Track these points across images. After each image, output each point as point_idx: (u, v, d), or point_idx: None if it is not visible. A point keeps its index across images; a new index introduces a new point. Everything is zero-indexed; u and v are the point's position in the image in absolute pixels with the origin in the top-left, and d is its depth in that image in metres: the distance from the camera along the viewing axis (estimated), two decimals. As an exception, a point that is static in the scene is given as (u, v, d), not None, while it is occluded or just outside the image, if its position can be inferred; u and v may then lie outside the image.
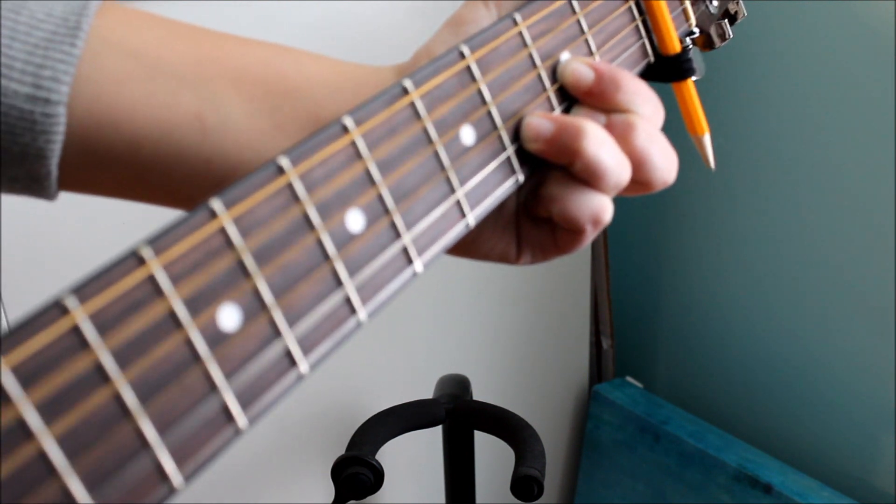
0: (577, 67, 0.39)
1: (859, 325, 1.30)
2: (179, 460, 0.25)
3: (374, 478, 0.99)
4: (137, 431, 0.24)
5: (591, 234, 0.39)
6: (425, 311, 1.34)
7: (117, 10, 0.38)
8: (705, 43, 0.54)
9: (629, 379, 1.60)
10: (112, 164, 0.37)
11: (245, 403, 0.27)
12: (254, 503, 1.21)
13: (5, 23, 0.34)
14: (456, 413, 1.14)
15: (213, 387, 0.26)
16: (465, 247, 0.41)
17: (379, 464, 0.99)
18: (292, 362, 0.28)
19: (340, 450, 1.05)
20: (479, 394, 1.22)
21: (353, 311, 0.30)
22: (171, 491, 0.25)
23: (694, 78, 0.52)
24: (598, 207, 0.38)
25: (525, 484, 0.99)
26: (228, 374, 0.26)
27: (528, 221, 0.41)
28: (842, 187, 1.28)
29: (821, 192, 1.30)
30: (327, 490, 1.05)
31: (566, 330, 1.57)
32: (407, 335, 1.33)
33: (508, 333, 1.48)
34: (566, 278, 1.52)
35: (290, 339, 0.28)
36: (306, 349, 0.29)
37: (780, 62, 1.29)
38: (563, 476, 1.66)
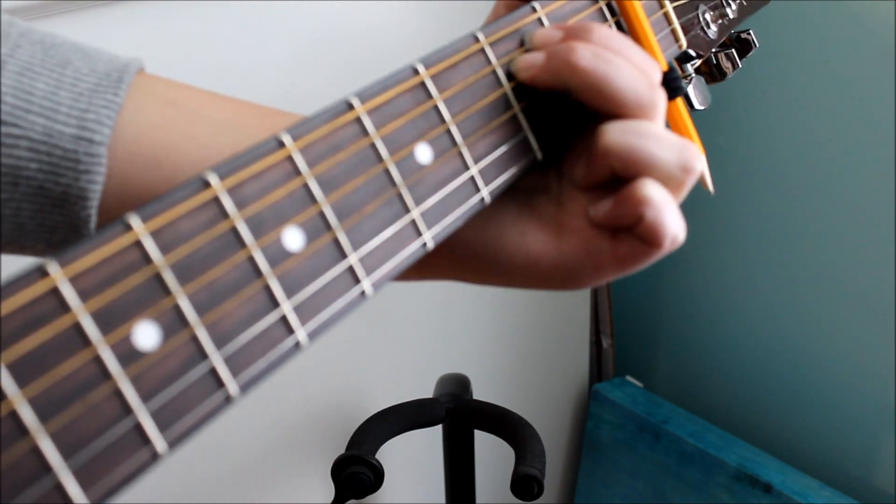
0: (542, 30, 0.39)
1: (859, 325, 1.30)
2: (86, 484, 0.23)
3: (374, 477, 0.99)
4: (37, 451, 0.23)
5: (661, 253, 0.37)
6: (425, 310, 1.34)
7: (154, 75, 0.40)
8: (713, 73, 0.54)
9: (629, 378, 1.60)
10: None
11: (164, 425, 0.25)
12: (254, 503, 1.21)
13: (52, 74, 0.36)
14: (456, 412, 1.14)
15: (126, 408, 0.25)
16: (486, 238, 0.40)
17: (379, 463, 0.99)
18: (219, 383, 0.27)
19: (340, 449, 1.05)
20: (479, 393, 1.22)
21: (290, 330, 0.29)
22: None
23: (699, 107, 0.51)
24: (681, 224, 0.37)
25: (525, 483, 0.99)
26: (145, 394, 0.25)
27: (586, 225, 0.38)
28: (842, 187, 1.28)
29: (821, 192, 1.30)
30: (327, 489, 1.06)
31: (566, 329, 1.57)
32: (407, 335, 1.33)
33: (508, 333, 1.48)
34: (566, 278, 1.52)
35: (216, 358, 0.27)
36: (236, 370, 0.27)
37: (779, 62, 1.29)
38: (563, 475, 1.66)
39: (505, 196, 0.40)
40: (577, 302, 1.56)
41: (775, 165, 1.35)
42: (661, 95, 0.38)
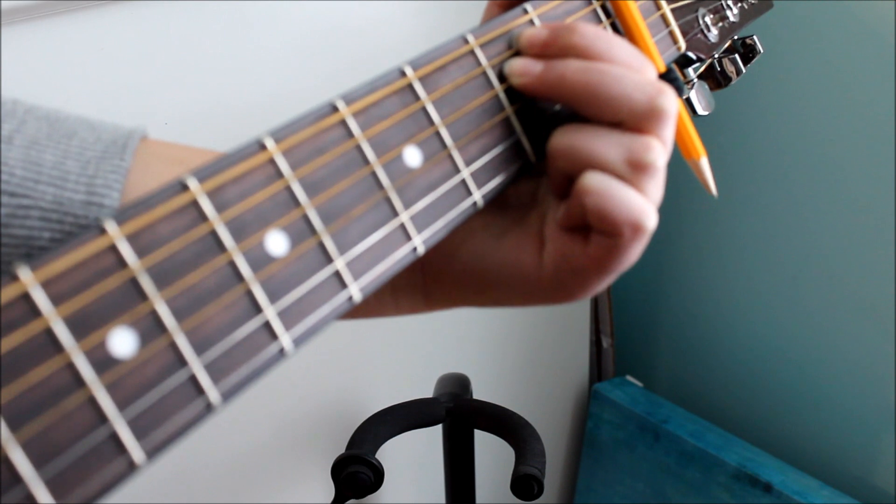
0: (529, 31, 0.39)
1: (859, 324, 1.30)
2: (60, 495, 0.23)
3: (374, 477, 0.99)
4: (7, 462, 0.22)
5: (630, 244, 0.37)
6: (425, 310, 1.34)
7: (157, 140, 0.41)
8: (716, 78, 0.53)
9: (629, 378, 1.60)
10: None
11: (141, 434, 0.24)
12: (254, 503, 1.21)
13: (59, 146, 0.37)
14: (456, 412, 1.14)
15: (102, 417, 0.24)
16: (480, 255, 0.40)
17: (379, 463, 0.99)
18: (199, 390, 0.26)
19: (340, 449, 1.05)
20: (480, 393, 1.22)
21: (274, 336, 0.28)
22: None
23: (702, 112, 0.51)
24: (639, 208, 0.36)
25: (525, 483, 0.99)
26: (122, 402, 0.24)
27: (558, 230, 0.38)
28: (842, 187, 1.28)
29: (821, 192, 1.30)
30: (327, 489, 1.06)
31: (566, 329, 1.57)
32: (407, 335, 1.33)
33: (508, 333, 1.48)
34: (566, 277, 1.52)
35: (196, 365, 0.26)
36: (217, 377, 0.26)
37: (779, 63, 1.29)
38: (563, 475, 1.66)
39: (500, 212, 0.40)
40: (577, 302, 1.56)
41: (776, 165, 1.35)
42: (660, 96, 0.37)
